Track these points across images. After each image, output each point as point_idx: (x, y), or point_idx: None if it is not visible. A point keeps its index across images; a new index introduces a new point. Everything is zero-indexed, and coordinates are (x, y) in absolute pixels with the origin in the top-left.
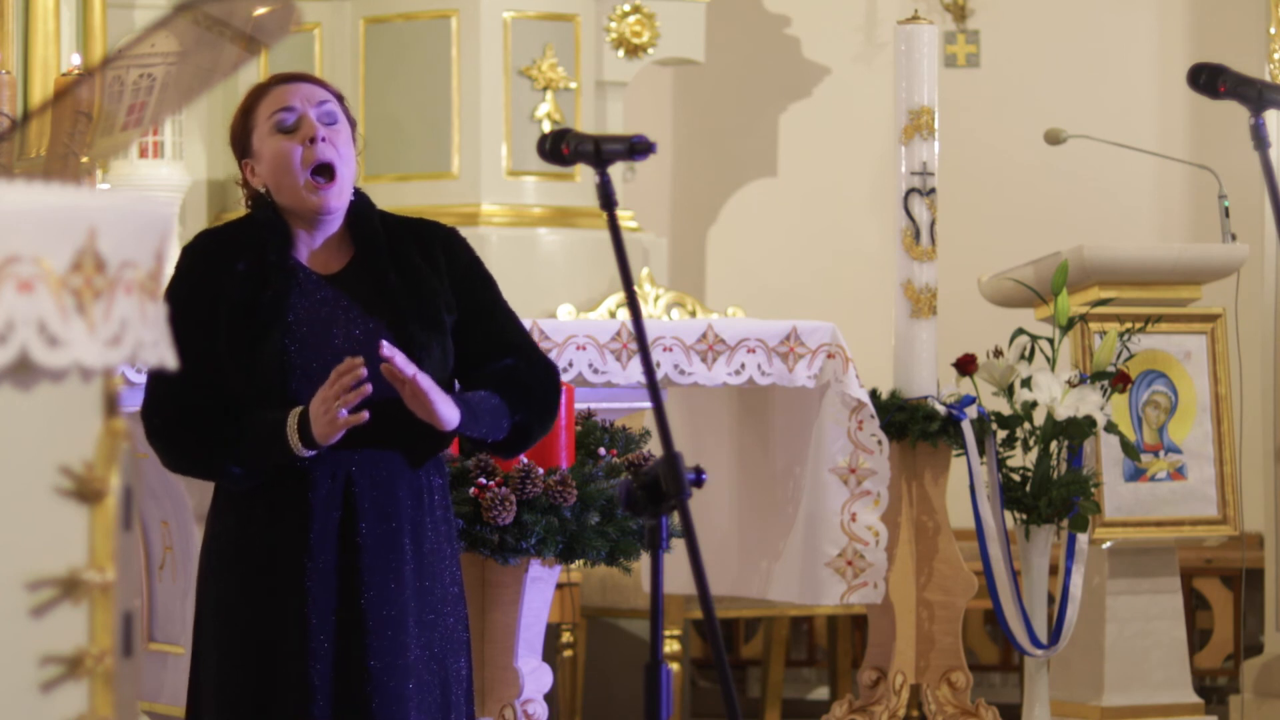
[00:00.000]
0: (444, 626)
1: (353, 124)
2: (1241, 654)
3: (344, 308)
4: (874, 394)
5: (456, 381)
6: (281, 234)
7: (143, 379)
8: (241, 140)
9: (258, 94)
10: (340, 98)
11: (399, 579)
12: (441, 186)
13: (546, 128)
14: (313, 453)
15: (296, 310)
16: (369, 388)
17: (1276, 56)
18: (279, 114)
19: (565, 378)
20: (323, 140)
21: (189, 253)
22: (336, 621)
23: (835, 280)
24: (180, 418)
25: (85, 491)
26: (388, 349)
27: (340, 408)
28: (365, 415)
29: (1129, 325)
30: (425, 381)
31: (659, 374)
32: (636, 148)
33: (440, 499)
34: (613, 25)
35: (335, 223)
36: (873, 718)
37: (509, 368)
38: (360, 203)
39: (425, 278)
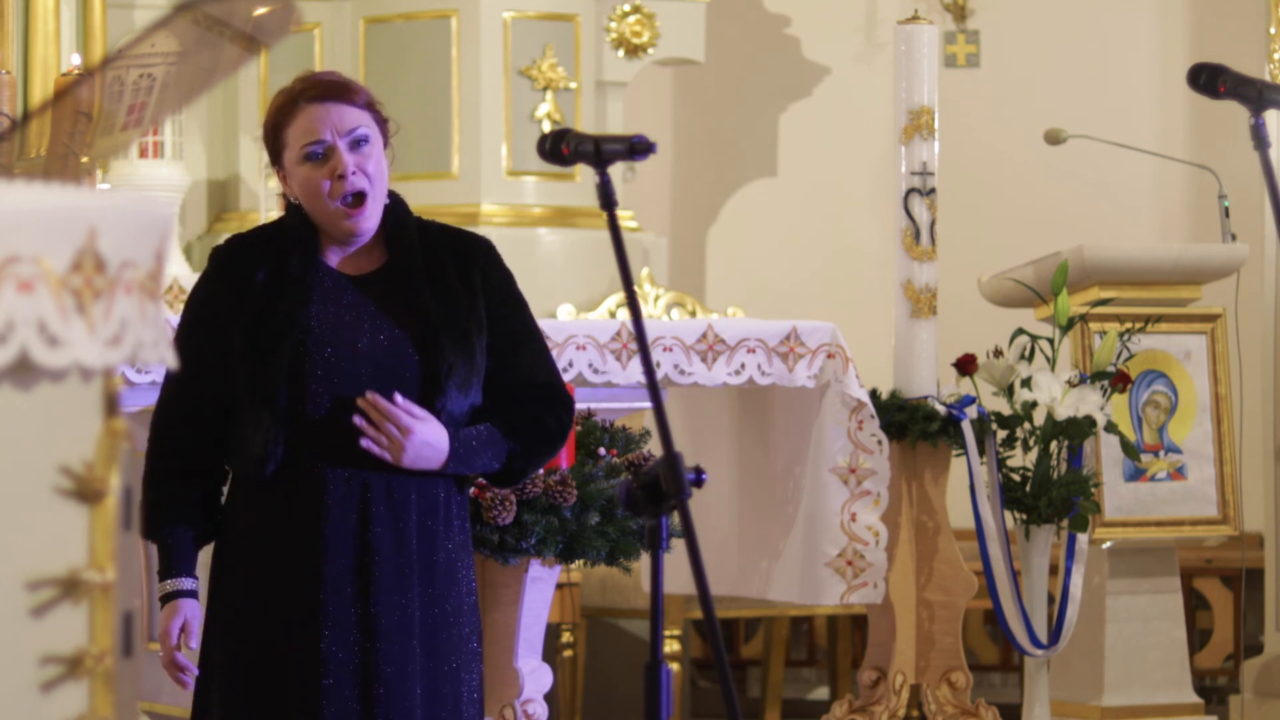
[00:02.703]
0: (458, 638)
1: (384, 123)
2: (1241, 654)
3: (370, 313)
4: (874, 394)
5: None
6: (307, 243)
7: (143, 379)
8: (273, 151)
9: (289, 111)
10: (371, 105)
11: (408, 587)
12: (441, 186)
13: (546, 128)
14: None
15: (319, 317)
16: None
17: (1276, 56)
18: (309, 146)
19: (565, 378)
20: (353, 173)
21: (215, 257)
22: (349, 626)
23: (835, 280)
24: (162, 449)
25: (85, 491)
26: (400, 399)
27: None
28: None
29: (1129, 325)
30: (406, 439)
31: (659, 374)
32: (636, 148)
33: (459, 511)
34: (613, 25)
35: (372, 233)
36: (873, 718)
37: (521, 404)
38: (396, 208)
39: (457, 294)
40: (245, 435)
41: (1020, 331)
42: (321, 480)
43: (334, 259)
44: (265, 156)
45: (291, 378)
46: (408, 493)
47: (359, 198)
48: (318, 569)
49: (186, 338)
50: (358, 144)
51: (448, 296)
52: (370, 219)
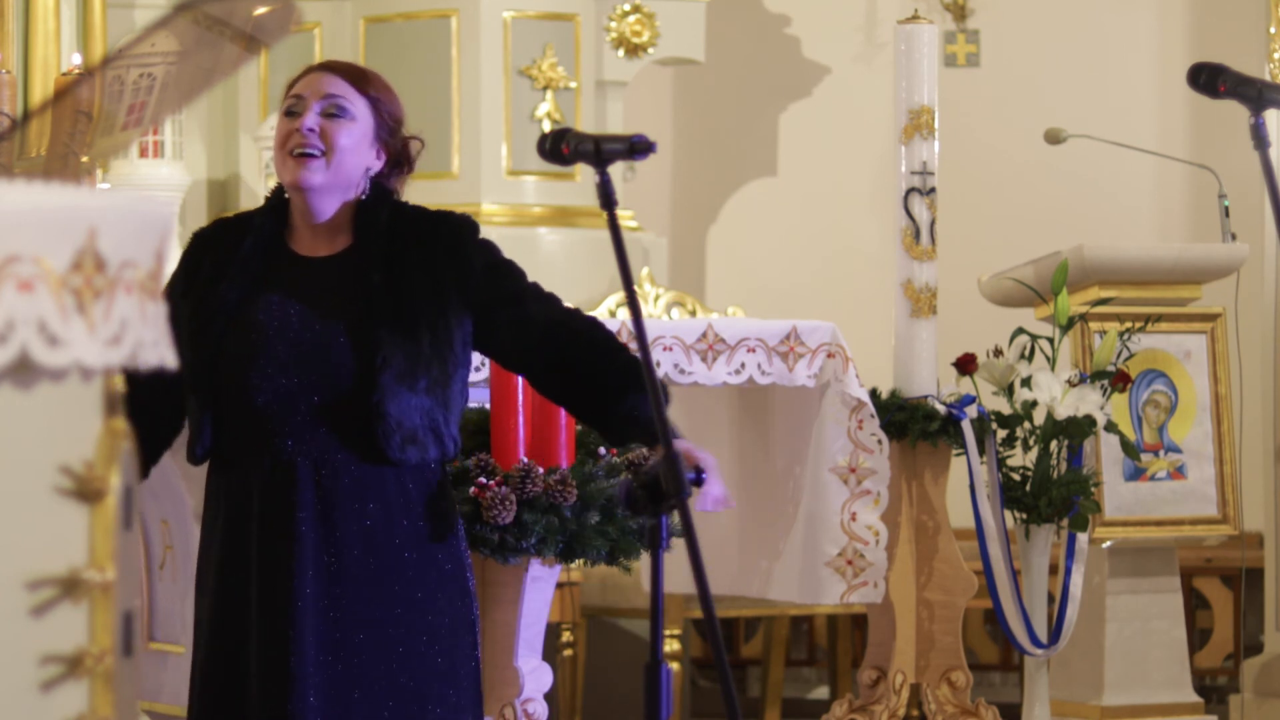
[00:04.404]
0: (425, 631)
1: (391, 122)
2: (1241, 654)
3: (314, 298)
4: (874, 393)
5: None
6: (266, 225)
7: None
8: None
9: (301, 76)
10: (377, 103)
11: (339, 581)
12: (441, 186)
13: (546, 127)
14: None
15: (261, 299)
16: None
17: (1276, 56)
18: (289, 100)
19: None
20: (309, 130)
21: (193, 238)
22: (271, 616)
23: (835, 280)
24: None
25: (85, 491)
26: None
27: None
28: None
29: (1129, 325)
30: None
31: (659, 374)
32: (636, 147)
33: (420, 497)
34: (613, 25)
35: (331, 207)
36: (873, 717)
37: (575, 340)
38: (374, 193)
39: (414, 282)
40: (188, 419)
41: (1020, 331)
42: (255, 465)
43: (298, 242)
44: (265, 156)
45: (227, 360)
46: (338, 480)
47: (304, 155)
48: (249, 555)
49: None
50: (333, 113)
51: (401, 284)
52: (315, 174)
